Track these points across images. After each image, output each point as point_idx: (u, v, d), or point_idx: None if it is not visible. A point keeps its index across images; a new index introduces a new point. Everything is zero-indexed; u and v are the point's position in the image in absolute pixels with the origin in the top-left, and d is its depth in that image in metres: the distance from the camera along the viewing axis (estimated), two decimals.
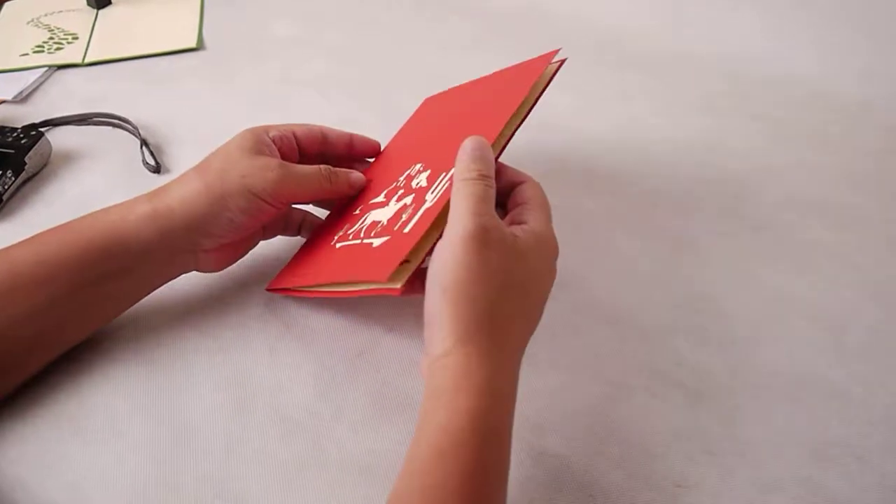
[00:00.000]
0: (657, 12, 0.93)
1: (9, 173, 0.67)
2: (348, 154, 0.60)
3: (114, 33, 0.95)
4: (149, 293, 0.54)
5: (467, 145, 0.45)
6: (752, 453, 0.47)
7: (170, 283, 0.55)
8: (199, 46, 0.92)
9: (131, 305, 0.53)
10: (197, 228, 0.51)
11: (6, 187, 0.67)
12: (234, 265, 0.57)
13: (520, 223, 0.45)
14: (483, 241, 0.41)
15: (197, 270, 0.55)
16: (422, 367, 0.42)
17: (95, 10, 1.00)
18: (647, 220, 0.64)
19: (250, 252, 0.58)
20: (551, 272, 0.45)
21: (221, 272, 0.57)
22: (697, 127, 0.75)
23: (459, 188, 0.43)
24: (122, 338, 0.54)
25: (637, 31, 0.90)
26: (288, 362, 0.53)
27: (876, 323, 0.55)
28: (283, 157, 0.55)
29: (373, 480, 0.46)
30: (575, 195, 0.66)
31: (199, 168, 0.52)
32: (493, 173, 0.45)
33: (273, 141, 0.54)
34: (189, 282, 0.58)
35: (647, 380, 0.51)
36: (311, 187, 0.53)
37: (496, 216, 0.43)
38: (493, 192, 0.44)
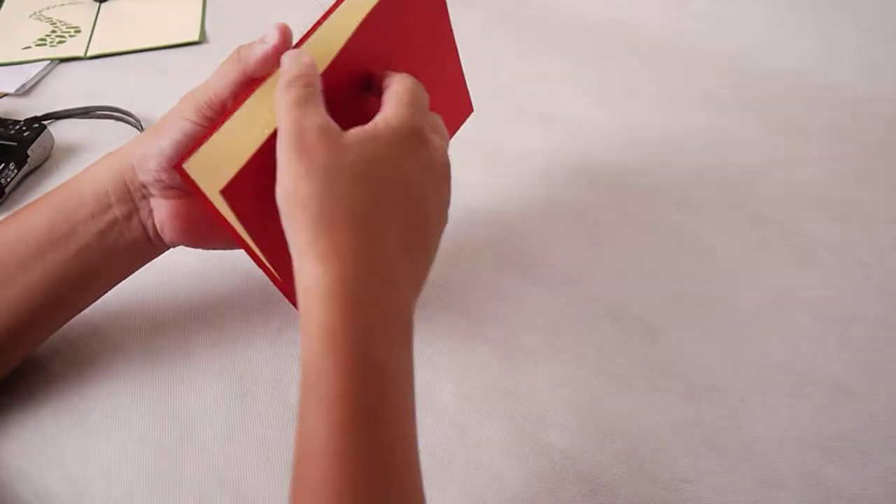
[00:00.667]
0: (659, 5, 0.93)
1: (11, 166, 0.67)
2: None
3: (116, 26, 0.95)
4: (123, 252, 0.47)
5: (282, 61, 0.41)
6: (755, 448, 0.47)
7: (172, 274, 0.55)
8: (202, 39, 0.92)
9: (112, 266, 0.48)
10: (138, 162, 0.45)
11: (9, 180, 0.67)
12: (236, 259, 0.57)
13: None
14: (301, 145, 0.36)
15: (161, 233, 0.47)
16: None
17: (97, 4, 1.00)
18: (650, 214, 0.64)
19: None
20: (428, 168, 0.39)
21: (223, 263, 0.57)
22: (700, 121, 0.75)
23: (276, 105, 0.39)
24: (123, 328, 0.54)
25: (639, 25, 0.90)
26: (290, 354, 0.52)
27: (880, 318, 0.55)
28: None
29: None
30: (577, 189, 0.66)
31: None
32: (310, 73, 0.40)
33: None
34: (191, 273, 0.58)
35: (649, 374, 0.51)
36: (229, 77, 0.44)
37: (320, 115, 0.38)
38: (312, 92, 0.39)
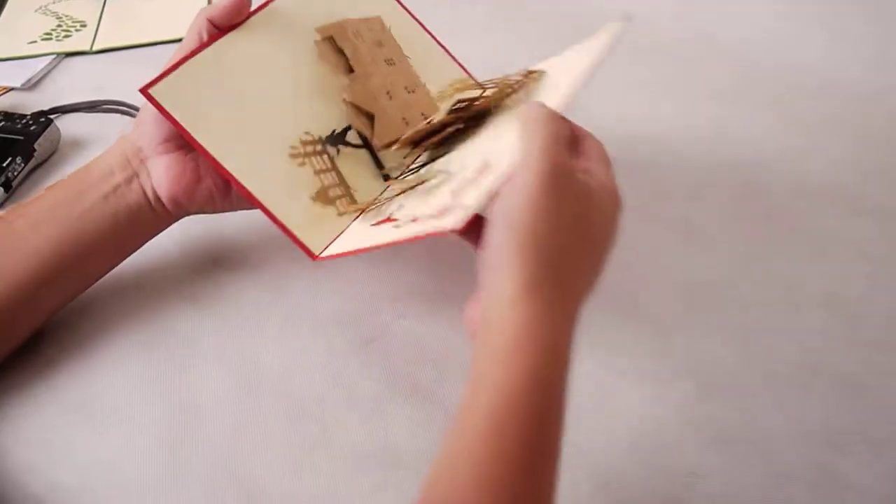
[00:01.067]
0: (664, 0, 0.92)
1: (18, 160, 0.67)
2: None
3: (122, 20, 0.95)
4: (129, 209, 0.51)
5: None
6: (765, 442, 0.47)
7: (178, 265, 0.55)
8: None
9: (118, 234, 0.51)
10: (134, 132, 0.52)
11: (16, 174, 0.66)
12: (243, 251, 0.57)
13: (584, 170, 0.42)
14: (557, 183, 0.38)
15: (158, 191, 0.51)
16: (469, 316, 0.39)
17: None
18: (658, 207, 0.64)
19: (258, 235, 0.58)
20: (616, 227, 0.42)
21: (231, 254, 0.57)
22: (708, 114, 0.74)
23: (532, 126, 0.40)
24: (130, 320, 0.54)
25: (647, 18, 0.89)
26: (297, 347, 0.52)
27: (890, 312, 0.54)
28: None
29: (381, 467, 0.45)
30: None
31: None
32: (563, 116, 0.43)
33: None
34: (198, 264, 0.58)
35: (658, 367, 0.51)
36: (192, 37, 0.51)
37: (571, 165, 0.40)
38: (566, 134, 0.42)
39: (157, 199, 0.51)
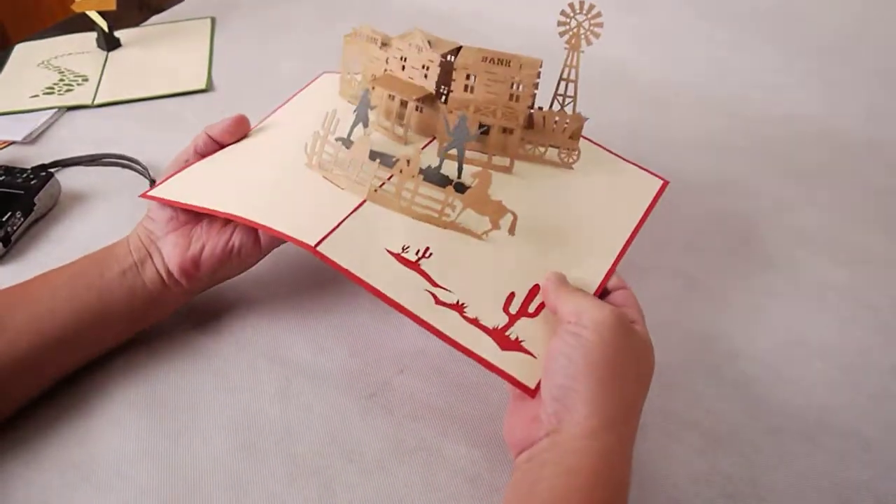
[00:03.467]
0: (661, 49, 0.94)
1: (18, 214, 0.67)
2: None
3: (124, 75, 0.96)
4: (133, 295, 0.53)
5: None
6: (772, 497, 0.46)
7: (179, 322, 0.55)
8: (209, 88, 0.92)
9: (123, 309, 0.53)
10: (146, 220, 0.57)
11: (15, 228, 0.66)
12: (244, 305, 0.57)
13: (631, 322, 0.46)
14: (626, 328, 0.43)
15: (169, 266, 0.54)
16: (514, 434, 0.43)
17: (105, 52, 1.01)
18: (658, 258, 0.64)
19: (259, 291, 0.58)
20: (652, 372, 0.45)
21: (229, 312, 0.56)
22: (704, 164, 0.75)
23: (568, 291, 0.46)
24: (128, 380, 0.53)
25: (641, 67, 0.91)
26: (298, 403, 0.52)
27: (892, 362, 0.54)
28: None
29: None
30: None
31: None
32: None
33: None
34: (197, 321, 0.58)
35: (662, 420, 0.51)
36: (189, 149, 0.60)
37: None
38: None
39: (170, 275, 0.54)
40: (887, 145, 0.77)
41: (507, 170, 0.56)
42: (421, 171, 0.50)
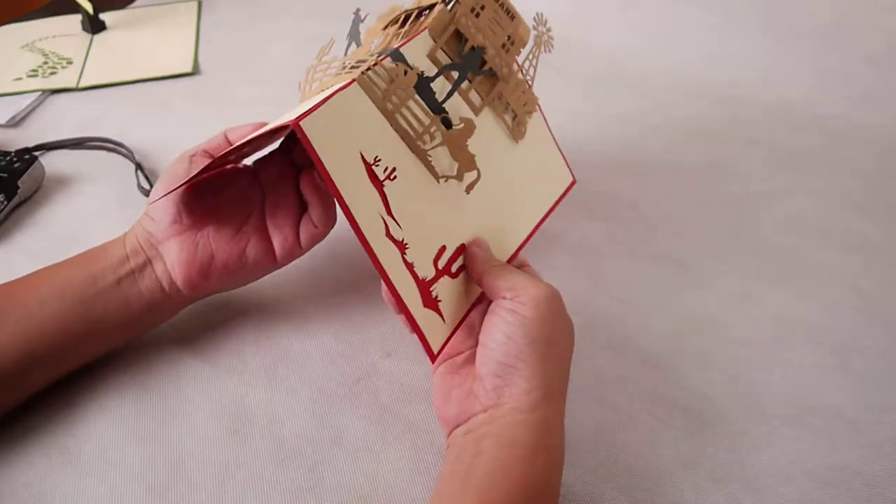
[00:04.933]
0: (650, 35, 0.93)
1: (1, 197, 0.66)
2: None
3: (109, 58, 0.95)
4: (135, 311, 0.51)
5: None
6: (759, 480, 0.46)
7: None
8: (195, 71, 0.92)
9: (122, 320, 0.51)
10: (145, 220, 0.52)
11: None
12: (230, 293, 0.57)
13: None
14: (560, 303, 0.44)
15: (172, 273, 0.51)
16: (461, 412, 0.43)
17: (90, 35, 1.00)
18: (647, 244, 0.64)
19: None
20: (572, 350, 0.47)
21: (217, 297, 0.56)
22: (696, 151, 0.75)
23: (502, 269, 0.46)
24: (115, 364, 0.53)
25: (631, 54, 0.91)
26: (285, 388, 0.52)
27: (881, 347, 0.54)
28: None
29: None
30: (574, 220, 0.66)
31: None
32: None
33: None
34: (185, 308, 0.57)
35: (651, 406, 0.50)
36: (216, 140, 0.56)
37: None
38: None
39: (172, 282, 0.51)
40: (877, 131, 0.77)
41: (476, 111, 0.53)
42: (422, 91, 0.48)
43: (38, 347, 0.47)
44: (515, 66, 0.56)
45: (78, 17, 1.01)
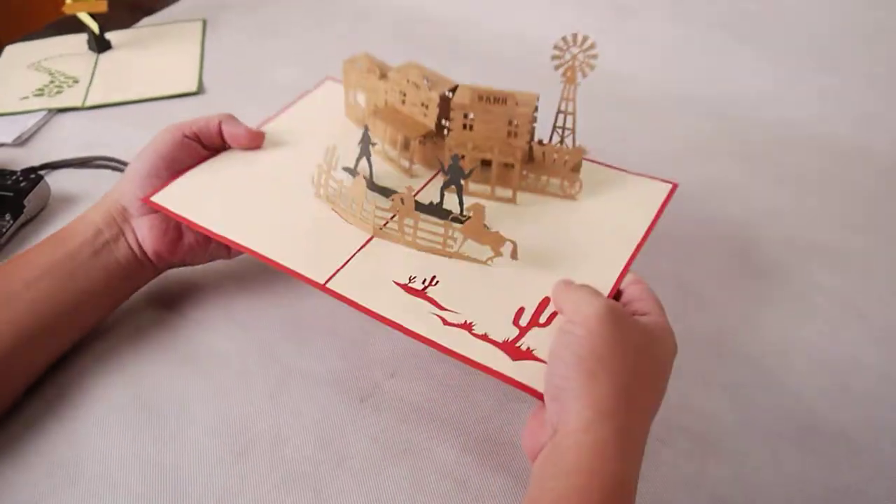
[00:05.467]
0: (650, 55, 0.94)
1: (7, 216, 0.67)
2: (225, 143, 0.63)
3: (114, 77, 0.95)
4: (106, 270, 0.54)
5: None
6: (761, 501, 0.46)
7: (168, 326, 0.55)
8: (200, 90, 0.92)
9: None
10: (119, 193, 0.56)
11: (4, 230, 0.66)
12: (233, 309, 0.57)
13: (641, 314, 0.46)
14: (616, 317, 0.42)
15: (143, 246, 0.55)
16: (528, 441, 0.42)
17: (96, 54, 1.01)
18: (649, 264, 0.64)
19: (248, 295, 0.59)
20: (672, 360, 0.44)
21: (218, 315, 0.56)
22: (695, 170, 0.75)
23: (570, 288, 0.46)
24: (117, 383, 0.53)
25: (631, 74, 0.91)
26: (288, 409, 0.52)
27: (880, 367, 0.55)
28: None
29: None
30: None
31: (132, 162, 0.58)
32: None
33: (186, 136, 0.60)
34: (187, 327, 0.57)
35: (654, 425, 0.50)
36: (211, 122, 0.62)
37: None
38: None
39: (144, 252, 0.56)
40: (878, 151, 0.77)
41: (511, 201, 0.57)
42: (424, 208, 0.53)
43: (30, 327, 0.50)
44: (536, 138, 0.58)
45: (84, 37, 1.02)
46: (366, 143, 0.56)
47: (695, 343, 0.56)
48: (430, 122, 0.58)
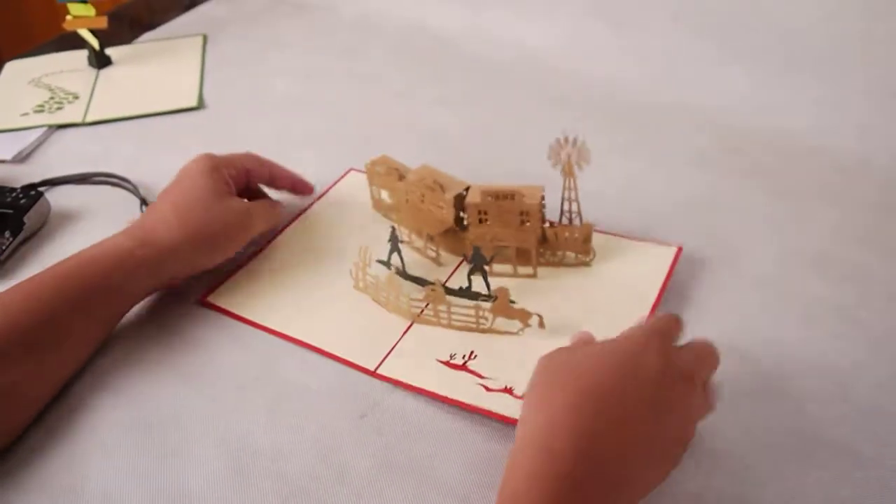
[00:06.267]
0: (648, 66, 0.94)
1: (7, 233, 0.67)
2: (271, 185, 0.70)
3: (114, 93, 0.96)
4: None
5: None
6: None
7: (167, 343, 0.55)
8: (200, 106, 0.93)
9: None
10: (179, 270, 0.59)
11: (4, 248, 0.66)
12: (232, 328, 0.57)
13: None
14: (553, 362, 0.47)
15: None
16: None
17: (96, 70, 1.01)
18: None
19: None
20: (692, 427, 0.45)
21: (218, 331, 0.56)
22: (693, 181, 0.75)
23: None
24: (117, 404, 0.53)
25: (628, 85, 0.91)
26: (288, 425, 0.52)
27: (882, 378, 0.54)
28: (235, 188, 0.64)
29: None
30: None
31: (177, 211, 0.59)
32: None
33: (231, 178, 0.64)
34: (184, 343, 0.57)
35: None
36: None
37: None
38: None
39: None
40: (877, 163, 0.77)
41: (532, 276, 0.63)
42: (454, 292, 0.60)
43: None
44: (548, 222, 0.64)
45: (84, 53, 1.03)
46: (395, 240, 0.61)
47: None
48: (449, 219, 0.63)
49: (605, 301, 0.60)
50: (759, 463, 0.49)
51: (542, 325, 0.57)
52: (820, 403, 0.53)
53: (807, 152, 0.79)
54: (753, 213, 0.71)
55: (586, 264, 0.64)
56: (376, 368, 0.55)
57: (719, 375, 0.49)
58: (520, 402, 0.50)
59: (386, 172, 0.68)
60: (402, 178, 0.67)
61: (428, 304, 0.58)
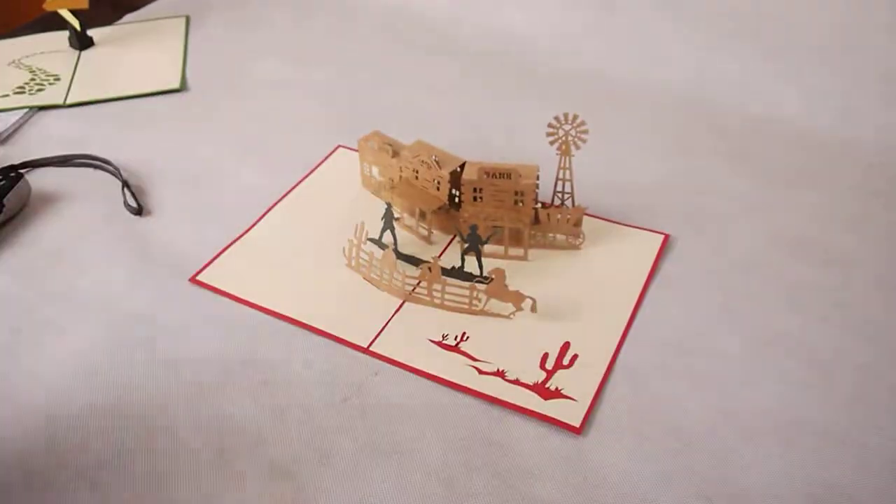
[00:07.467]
0: (636, 52, 0.94)
1: None
2: None
3: (96, 74, 0.94)
4: None
5: None
6: (746, 497, 0.46)
7: (149, 325, 0.54)
8: (183, 87, 0.91)
9: None
10: None
11: None
12: (214, 310, 0.56)
13: None
14: None
15: None
16: None
17: (78, 51, 1.00)
18: None
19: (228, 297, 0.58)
20: None
21: (204, 314, 0.56)
22: (680, 167, 0.75)
23: None
24: (97, 384, 0.52)
25: (616, 71, 0.91)
26: (271, 409, 0.51)
27: (865, 362, 0.55)
28: None
29: None
30: None
31: None
32: None
33: None
34: (169, 326, 0.57)
35: (637, 423, 0.50)
36: None
37: None
38: None
39: None
40: (863, 147, 0.77)
41: (522, 258, 0.63)
42: (448, 272, 0.60)
43: None
44: (540, 203, 0.64)
45: (65, 34, 1.01)
46: (389, 218, 0.61)
47: (677, 339, 0.56)
48: (443, 197, 0.64)
49: (594, 285, 0.60)
50: (741, 447, 0.49)
51: (534, 308, 0.57)
52: (801, 387, 0.53)
53: (793, 136, 0.79)
54: (739, 197, 0.71)
55: (576, 247, 0.64)
56: (369, 346, 0.55)
57: (704, 361, 0.49)
58: (512, 385, 0.52)
59: (379, 148, 0.68)
60: (395, 154, 0.66)
61: (420, 283, 0.59)
